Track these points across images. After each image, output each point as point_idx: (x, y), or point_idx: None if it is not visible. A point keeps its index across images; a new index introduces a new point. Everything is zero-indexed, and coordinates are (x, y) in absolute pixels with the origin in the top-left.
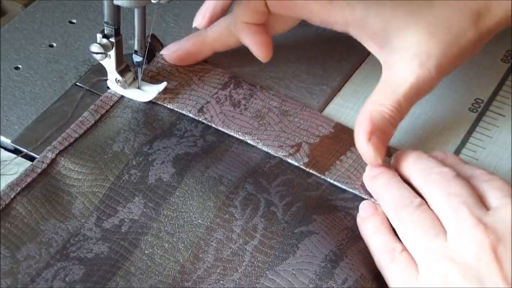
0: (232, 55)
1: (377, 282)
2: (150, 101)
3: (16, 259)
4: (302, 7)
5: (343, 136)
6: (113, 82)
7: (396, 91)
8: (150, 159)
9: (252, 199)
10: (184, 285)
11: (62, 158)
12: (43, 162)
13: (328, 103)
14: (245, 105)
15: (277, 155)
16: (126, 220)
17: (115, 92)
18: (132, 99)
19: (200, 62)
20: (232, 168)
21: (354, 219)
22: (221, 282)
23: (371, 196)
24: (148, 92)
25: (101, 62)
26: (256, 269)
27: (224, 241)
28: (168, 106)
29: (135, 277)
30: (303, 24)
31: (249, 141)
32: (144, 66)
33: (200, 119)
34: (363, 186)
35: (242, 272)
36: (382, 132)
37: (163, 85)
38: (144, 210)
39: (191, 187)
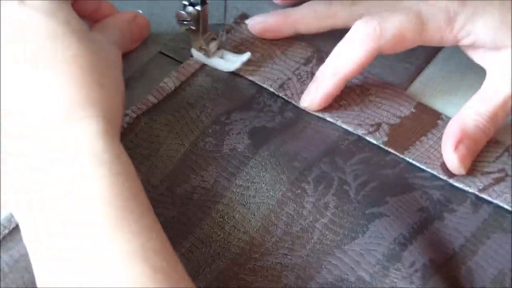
0: None
1: (446, 268)
2: (231, 72)
3: None
4: (414, 42)
5: (424, 117)
6: (197, 50)
7: (494, 101)
8: (226, 129)
9: (325, 177)
10: (251, 255)
11: (140, 122)
12: (122, 127)
13: (412, 81)
14: None
15: (356, 132)
16: (198, 188)
17: (197, 60)
18: (214, 69)
19: None
20: (308, 146)
21: (430, 199)
22: (289, 257)
23: (450, 176)
24: (232, 62)
25: (186, 30)
26: (325, 247)
27: (295, 216)
28: (249, 78)
29: (203, 244)
30: None
31: (328, 119)
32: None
33: (280, 95)
34: (442, 166)
35: (310, 249)
36: (473, 141)
37: (246, 55)
38: (217, 179)
39: (266, 159)
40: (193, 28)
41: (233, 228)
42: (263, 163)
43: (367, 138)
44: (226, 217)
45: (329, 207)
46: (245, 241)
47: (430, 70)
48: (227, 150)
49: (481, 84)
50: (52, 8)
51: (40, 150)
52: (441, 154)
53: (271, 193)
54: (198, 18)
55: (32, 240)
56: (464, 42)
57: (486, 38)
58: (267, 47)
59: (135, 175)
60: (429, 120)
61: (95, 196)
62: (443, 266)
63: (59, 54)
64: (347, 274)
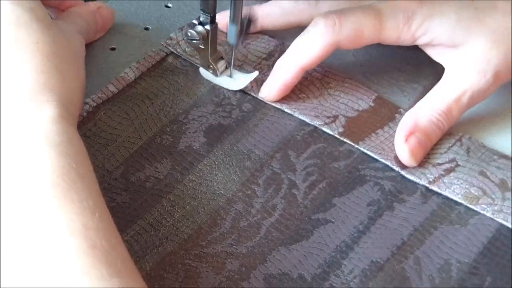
0: None
1: (393, 261)
2: (192, 65)
3: None
4: (372, 40)
5: (382, 111)
6: (206, 69)
7: (449, 96)
8: (183, 128)
9: (275, 179)
10: (198, 243)
11: (99, 111)
12: (81, 116)
13: (419, 101)
14: None
15: (313, 123)
16: (151, 177)
17: (160, 51)
18: (174, 61)
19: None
20: (263, 140)
21: (381, 189)
22: (234, 246)
23: (403, 168)
24: (239, 81)
25: (195, 49)
26: (270, 242)
27: (243, 213)
28: None
29: (152, 228)
30: None
31: (286, 110)
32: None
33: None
34: (396, 158)
35: (256, 242)
36: (425, 135)
37: (254, 74)
38: (171, 172)
39: (219, 158)
40: (202, 47)
41: (183, 217)
42: (216, 162)
43: (323, 128)
44: (176, 206)
45: (277, 208)
46: (193, 229)
47: None
48: (182, 147)
49: (488, 103)
50: None
51: (1, 135)
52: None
53: (222, 192)
54: (207, 37)
55: None
56: (421, 40)
57: (442, 36)
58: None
59: (86, 158)
60: (387, 114)
61: (43, 177)
62: (388, 262)
63: (22, 40)
64: (290, 271)
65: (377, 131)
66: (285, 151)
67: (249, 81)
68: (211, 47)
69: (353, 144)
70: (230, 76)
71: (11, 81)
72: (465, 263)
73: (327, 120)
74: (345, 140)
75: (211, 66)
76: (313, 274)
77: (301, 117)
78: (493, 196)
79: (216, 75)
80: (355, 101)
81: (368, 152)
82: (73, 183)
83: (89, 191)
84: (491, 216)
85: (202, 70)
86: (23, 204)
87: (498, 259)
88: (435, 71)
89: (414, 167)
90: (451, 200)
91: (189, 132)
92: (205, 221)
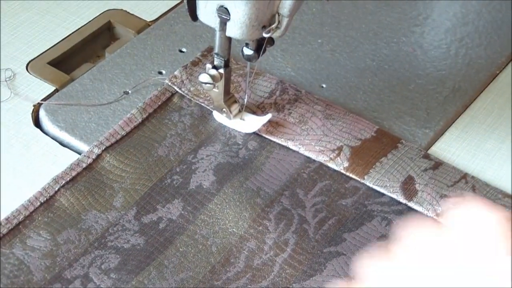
0: (343, 89)
1: None
2: (196, 104)
3: (56, 242)
4: None
5: (384, 140)
6: (219, 112)
7: None
8: (193, 168)
9: (286, 214)
10: (213, 283)
11: (108, 155)
12: (88, 157)
13: (430, 146)
14: (289, 109)
15: (318, 159)
16: (164, 218)
17: (165, 90)
18: (179, 102)
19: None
20: (271, 178)
21: (389, 224)
22: (249, 286)
23: (409, 200)
24: (252, 124)
25: (209, 92)
26: (284, 280)
27: (256, 251)
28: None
29: (167, 269)
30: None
31: (291, 147)
32: (255, 61)
33: None
34: (402, 187)
35: (271, 281)
36: None
37: (267, 117)
38: (182, 212)
39: (229, 196)
40: (216, 90)
41: (196, 257)
42: (226, 200)
43: (329, 165)
44: (190, 247)
45: (289, 243)
46: (208, 269)
47: (448, 136)
48: (193, 187)
49: (500, 149)
50: None
51: None
52: (401, 175)
53: (234, 230)
54: (221, 81)
55: None
56: None
57: None
58: (234, 79)
59: None
60: (389, 142)
61: None
62: None
63: None
64: None
65: (381, 159)
66: (293, 189)
67: (261, 124)
68: (224, 90)
69: (358, 179)
70: (242, 119)
71: None
72: None
73: (331, 155)
74: (350, 175)
75: (224, 109)
76: None
77: (306, 153)
78: None
79: (229, 118)
80: (357, 131)
81: (374, 187)
82: None
83: None
84: None
85: (215, 113)
86: None
87: None
88: (446, 117)
89: (421, 198)
90: None
91: (199, 172)
92: (219, 261)
